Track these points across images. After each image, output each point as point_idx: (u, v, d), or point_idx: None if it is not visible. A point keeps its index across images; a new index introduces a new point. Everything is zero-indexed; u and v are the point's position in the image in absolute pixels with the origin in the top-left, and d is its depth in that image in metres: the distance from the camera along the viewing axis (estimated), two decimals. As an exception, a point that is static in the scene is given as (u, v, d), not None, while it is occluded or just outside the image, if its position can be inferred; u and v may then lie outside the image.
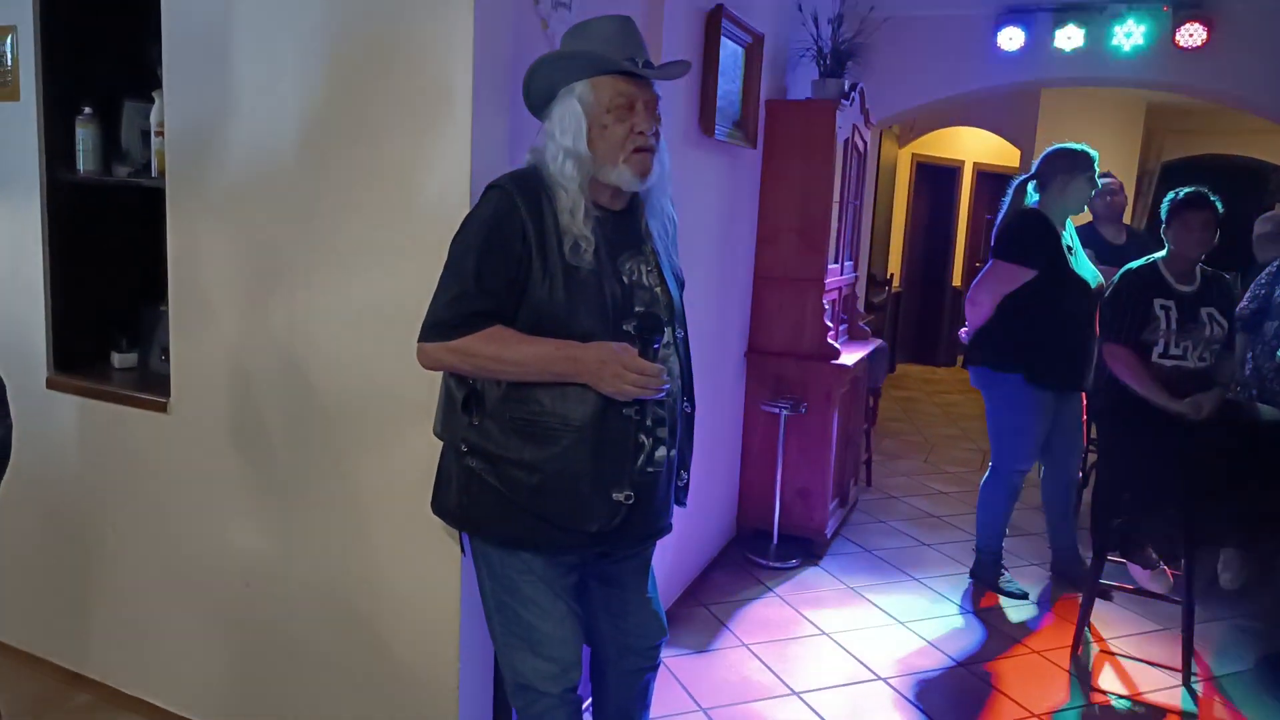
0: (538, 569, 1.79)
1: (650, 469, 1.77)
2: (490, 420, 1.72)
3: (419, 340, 1.71)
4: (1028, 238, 3.41)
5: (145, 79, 2.49)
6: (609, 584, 1.94)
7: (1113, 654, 3.27)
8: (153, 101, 2.43)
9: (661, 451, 1.78)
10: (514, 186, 1.70)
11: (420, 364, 1.73)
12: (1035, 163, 3.53)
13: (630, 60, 1.70)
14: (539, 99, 1.78)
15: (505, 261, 1.66)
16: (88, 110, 2.52)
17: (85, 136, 2.52)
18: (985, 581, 3.77)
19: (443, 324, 1.68)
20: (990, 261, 3.51)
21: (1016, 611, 3.59)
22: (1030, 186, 3.51)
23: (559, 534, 1.74)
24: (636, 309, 1.74)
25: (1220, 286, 3.14)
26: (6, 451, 1.81)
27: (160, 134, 2.37)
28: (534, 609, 1.80)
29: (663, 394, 1.71)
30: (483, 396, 1.74)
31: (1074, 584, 3.68)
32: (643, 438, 1.75)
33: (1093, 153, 3.40)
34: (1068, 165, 3.38)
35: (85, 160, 2.54)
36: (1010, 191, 3.58)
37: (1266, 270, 3.64)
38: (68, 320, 2.63)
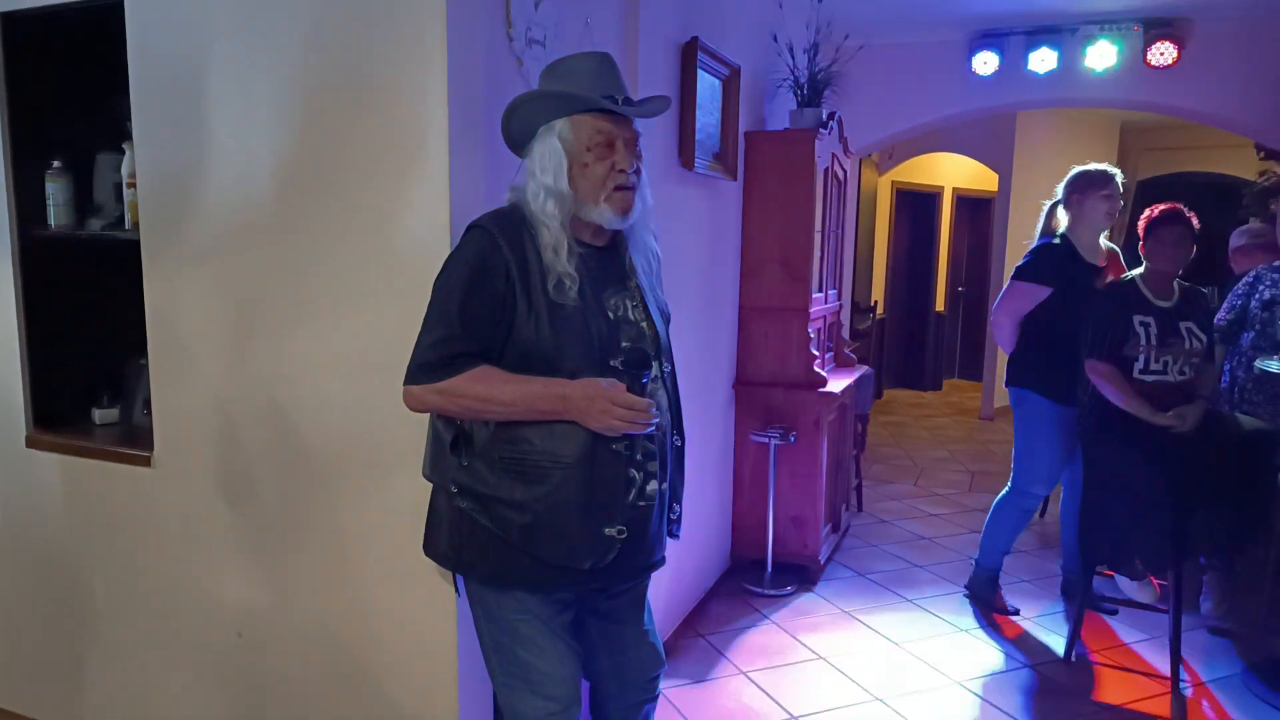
0: (533, 608, 1.77)
1: (641, 503, 1.76)
2: (479, 460, 1.71)
3: (405, 383, 1.69)
4: (1043, 258, 3.48)
5: (116, 130, 2.47)
6: (605, 619, 1.92)
7: (1104, 664, 3.26)
8: (124, 153, 2.42)
9: (653, 485, 1.77)
10: (495, 225, 1.69)
11: (407, 407, 1.72)
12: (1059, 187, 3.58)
13: (609, 98, 1.70)
14: (519, 137, 1.78)
15: (489, 301, 1.66)
16: (57, 164, 2.50)
17: (56, 190, 2.50)
18: (980, 598, 3.76)
19: (428, 366, 1.66)
20: (1009, 282, 3.56)
21: (1008, 628, 3.57)
22: (1059, 210, 3.56)
23: (552, 572, 1.72)
24: (623, 344, 1.73)
25: (1198, 301, 3.16)
26: None
27: (132, 185, 2.36)
28: (531, 648, 1.78)
29: (651, 428, 1.70)
30: (471, 437, 1.72)
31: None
32: (633, 472, 1.74)
33: (1110, 171, 3.43)
34: (1082, 186, 3.44)
35: (57, 215, 2.51)
36: (1043, 217, 3.62)
37: (1243, 281, 3.67)
38: (46, 377, 2.60)
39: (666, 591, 3.25)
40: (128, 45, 2.25)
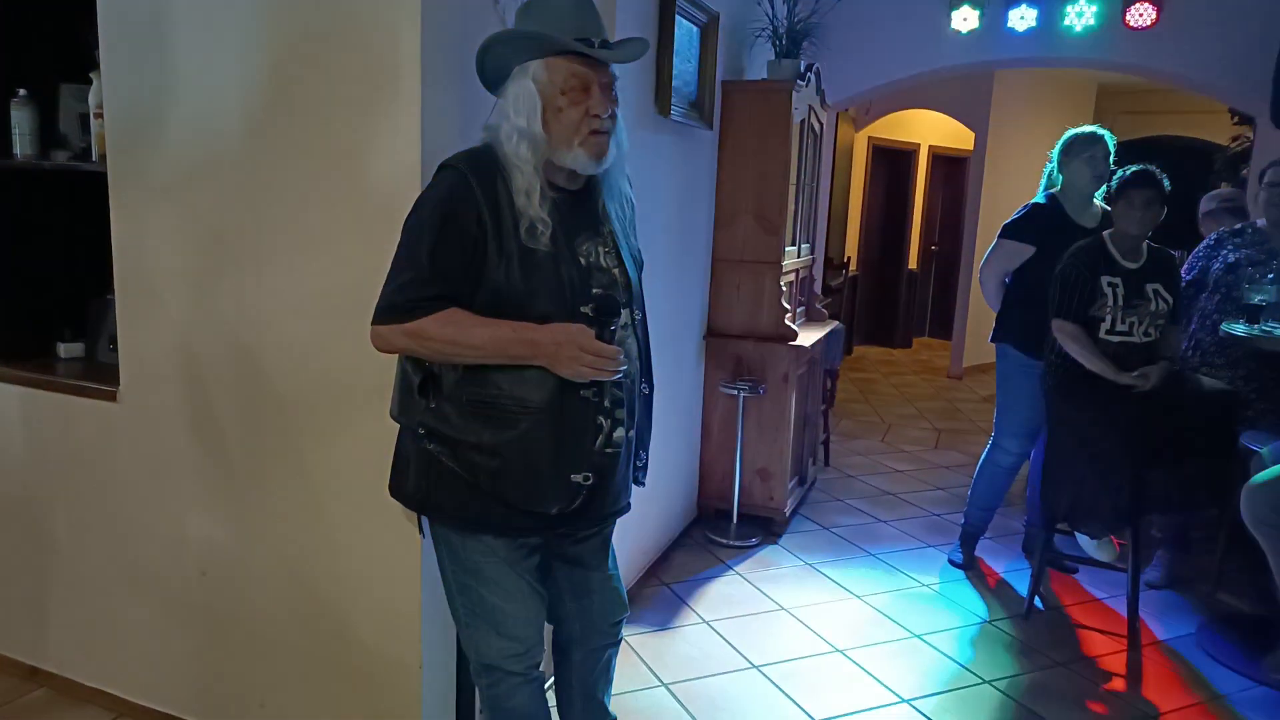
0: (499, 551, 1.78)
1: (609, 450, 1.77)
2: (447, 403, 1.71)
3: (372, 323, 1.68)
4: (1030, 218, 3.52)
5: (82, 60, 2.42)
6: (571, 563, 1.94)
7: (1062, 621, 3.35)
8: (90, 83, 2.37)
9: (620, 433, 1.78)
10: (468, 166, 1.67)
11: (374, 347, 1.71)
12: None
13: (586, 41, 1.66)
14: (493, 77, 1.74)
15: (459, 244, 1.64)
16: (22, 93, 2.44)
17: (20, 120, 2.45)
18: (961, 550, 3.85)
19: (396, 307, 1.65)
20: (996, 240, 3.60)
21: (970, 584, 3.66)
22: (1052, 172, 3.58)
23: (519, 516, 1.74)
24: (594, 290, 1.73)
25: (1165, 263, 3.20)
26: None
27: (99, 116, 2.31)
28: (497, 590, 1.80)
29: (620, 375, 1.71)
30: (440, 379, 1.72)
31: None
32: (601, 419, 1.75)
33: (1098, 133, 3.44)
34: (1068, 148, 3.47)
35: (22, 145, 2.46)
36: (1044, 177, 3.65)
37: (1203, 244, 3.72)
38: (9, 310, 2.57)
39: (632, 540, 3.29)
40: (92, -30, 2.19)
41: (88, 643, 2.57)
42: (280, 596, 2.25)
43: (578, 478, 1.73)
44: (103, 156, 2.30)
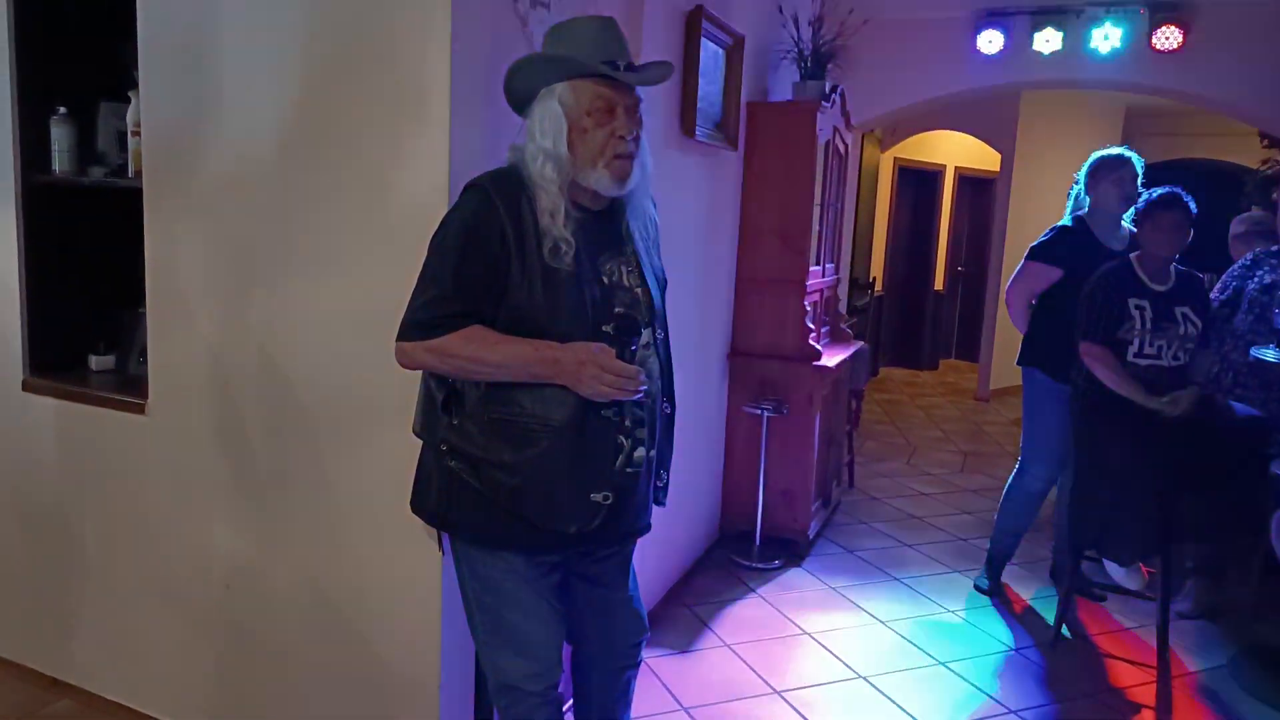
0: (519, 568, 1.78)
1: (629, 470, 1.77)
2: (469, 421, 1.72)
3: (397, 340, 1.70)
4: (1057, 240, 3.49)
5: (122, 79, 2.47)
6: (591, 583, 1.94)
7: (1091, 650, 3.30)
8: (129, 102, 2.42)
9: (640, 452, 1.78)
10: (493, 186, 1.69)
11: (399, 363, 1.72)
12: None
13: (611, 64, 1.68)
14: (520, 98, 1.77)
15: (483, 263, 1.66)
16: (63, 111, 2.50)
17: (60, 137, 2.50)
18: (987, 576, 3.80)
19: (421, 324, 1.67)
20: (1023, 261, 3.58)
21: (996, 611, 3.61)
22: (1080, 194, 3.56)
23: (539, 534, 1.74)
24: (616, 310, 1.74)
25: (1194, 286, 3.17)
26: None
27: (137, 134, 2.36)
28: (517, 609, 1.80)
29: (640, 395, 1.71)
30: (462, 397, 1.73)
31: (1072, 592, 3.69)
32: (621, 439, 1.75)
33: (1124, 155, 3.42)
34: (1096, 170, 3.45)
35: (60, 161, 2.52)
36: (1071, 199, 3.62)
37: (1239, 263, 3.67)
38: (44, 322, 2.61)
39: (654, 561, 3.28)
40: (135, -7, 2.24)
41: (111, 655, 2.59)
42: (302, 612, 2.26)
43: (597, 497, 1.72)
44: (139, 173, 2.35)
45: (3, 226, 2.54)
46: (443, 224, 1.72)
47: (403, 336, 1.69)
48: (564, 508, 1.71)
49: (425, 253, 1.71)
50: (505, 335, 1.67)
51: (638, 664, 2.04)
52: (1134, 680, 3.09)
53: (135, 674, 2.56)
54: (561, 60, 1.70)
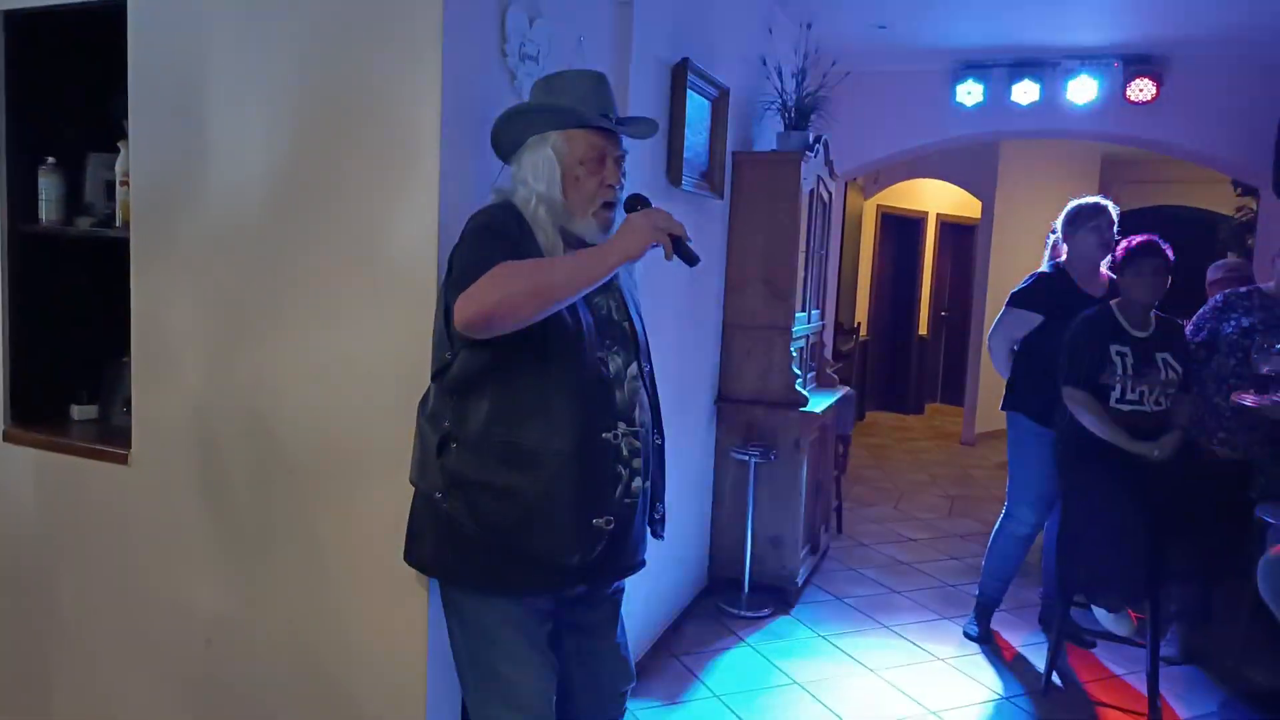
0: (514, 617, 1.77)
1: (627, 500, 1.79)
2: (469, 450, 1.72)
3: (459, 298, 1.59)
4: (1037, 287, 3.54)
5: (111, 130, 2.48)
6: (582, 632, 1.93)
7: (1080, 698, 3.27)
8: (118, 152, 2.43)
9: (637, 482, 1.80)
10: (500, 213, 1.73)
11: (467, 319, 1.58)
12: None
13: (605, 116, 1.76)
14: (508, 145, 1.82)
15: (511, 244, 1.67)
16: (51, 160, 2.51)
17: (48, 187, 2.50)
18: (977, 622, 3.78)
19: (474, 265, 1.60)
20: (1004, 308, 3.62)
21: (986, 658, 3.59)
22: (1057, 242, 3.62)
23: (537, 572, 1.73)
24: (607, 342, 1.78)
25: (1174, 332, 3.21)
26: None
27: (125, 184, 2.36)
28: (508, 660, 1.78)
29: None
30: (464, 425, 1.72)
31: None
32: (620, 468, 1.77)
33: (1100, 203, 3.48)
34: (1072, 219, 3.51)
35: (48, 211, 2.51)
36: (1048, 247, 3.68)
37: (1209, 305, 3.72)
38: (26, 372, 2.58)
39: (642, 609, 3.25)
40: (129, 45, 2.26)
41: (92, 711, 2.53)
42: (284, 668, 2.21)
43: (599, 522, 1.73)
44: (126, 223, 2.35)
45: (-12, 276, 2.53)
46: (463, 237, 1.71)
47: (461, 286, 1.59)
48: (566, 536, 1.71)
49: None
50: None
51: (624, 713, 2.02)
52: (1126, 728, 3.07)
53: (112, 731, 2.50)
54: (561, 110, 1.75)
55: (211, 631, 2.30)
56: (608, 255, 1.63)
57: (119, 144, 2.41)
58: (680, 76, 3.25)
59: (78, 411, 2.65)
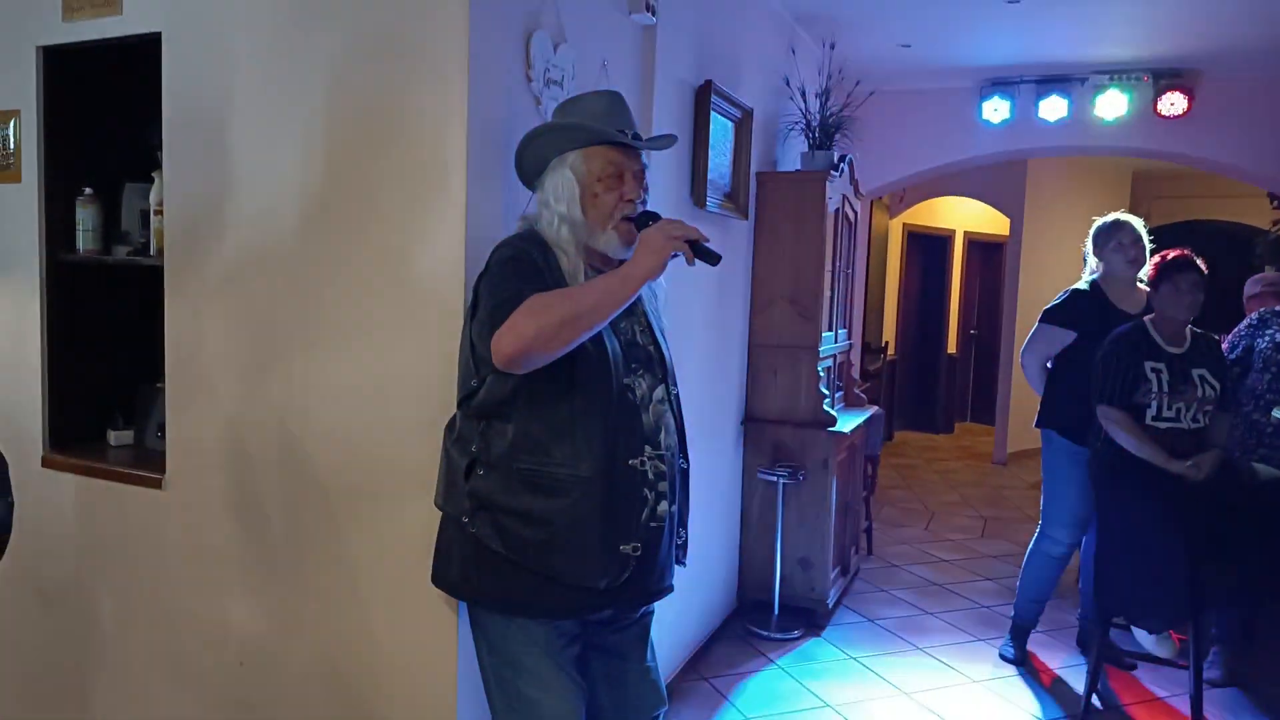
0: (540, 640, 1.77)
1: (654, 524, 1.78)
2: (495, 473, 1.72)
3: (495, 332, 1.61)
4: (1070, 303, 3.51)
5: (145, 160, 2.54)
6: (609, 654, 1.92)
7: (1124, 724, 3.20)
8: (152, 182, 2.48)
9: (663, 506, 1.79)
10: (524, 241, 1.75)
11: (506, 354, 1.60)
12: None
13: (620, 131, 1.78)
14: (531, 170, 1.85)
15: (537, 275, 1.69)
16: (88, 191, 2.56)
17: (85, 217, 2.56)
18: (1012, 644, 3.72)
19: (507, 301, 1.62)
20: (1037, 324, 3.59)
21: (1023, 680, 3.52)
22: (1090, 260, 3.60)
23: (564, 594, 1.73)
24: (633, 365, 1.78)
25: (1210, 348, 3.16)
26: (7, 530, 1.81)
27: (159, 213, 2.41)
28: (535, 683, 1.77)
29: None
30: (489, 450, 1.73)
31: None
32: (646, 492, 1.76)
33: (1122, 220, 3.46)
34: (1098, 238, 3.50)
35: (85, 240, 2.57)
36: (1085, 263, 3.66)
37: (1245, 322, 3.66)
38: (64, 399, 2.63)
39: (671, 631, 3.22)
40: (163, 76, 2.32)
41: (125, 733, 2.55)
42: (315, 689, 2.22)
43: (626, 548, 1.73)
44: (161, 251, 2.40)
45: (27, 305, 2.58)
46: (488, 269, 1.73)
47: (497, 320, 1.61)
48: (593, 561, 1.71)
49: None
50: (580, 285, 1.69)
51: None
52: (1169, 754, 2.99)
53: (146, 754, 2.51)
54: (575, 128, 1.78)
55: (245, 653, 2.32)
56: (631, 275, 1.64)
57: (153, 174, 2.46)
58: (703, 98, 3.27)
59: (114, 437, 2.69)
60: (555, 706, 1.77)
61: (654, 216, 1.77)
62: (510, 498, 1.70)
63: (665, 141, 1.90)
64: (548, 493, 1.69)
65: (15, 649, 2.74)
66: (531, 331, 1.57)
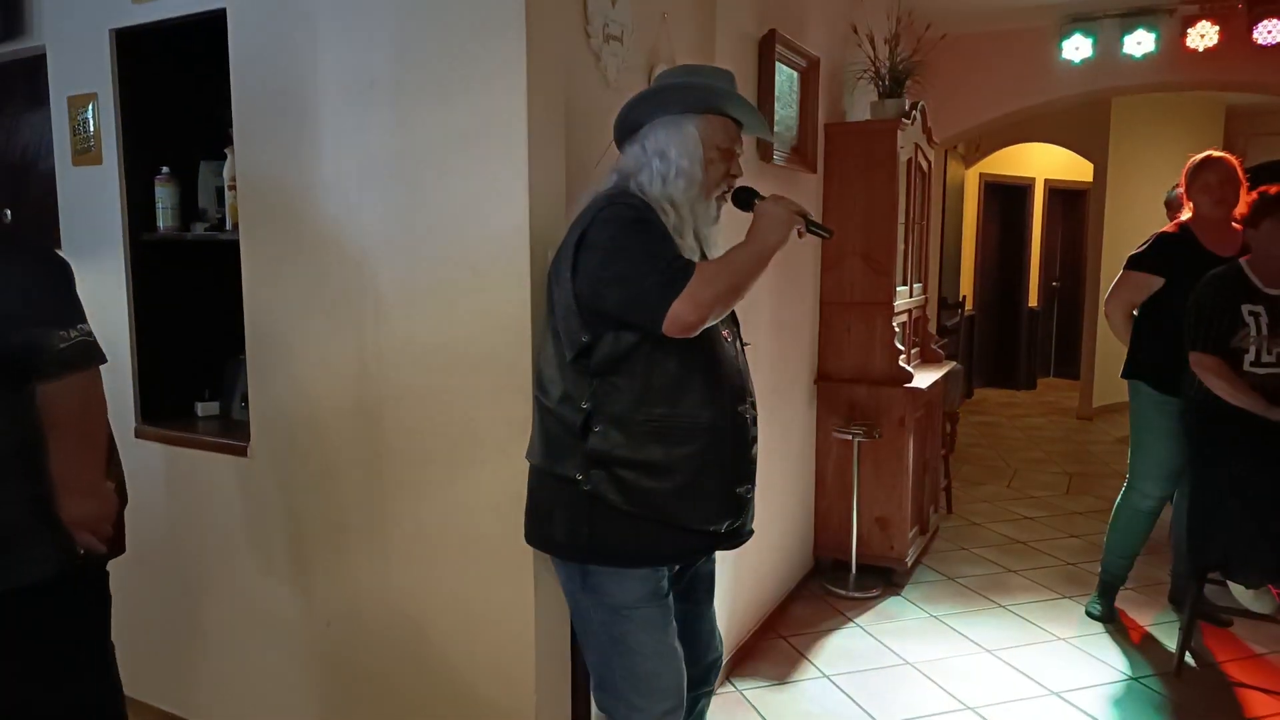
0: (653, 587, 1.78)
1: (754, 466, 1.84)
2: (615, 428, 1.71)
3: (671, 304, 1.62)
4: (1156, 248, 3.37)
5: (219, 138, 2.59)
6: (683, 600, 1.94)
7: (1217, 680, 3.09)
8: (225, 159, 2.53)
9: (755, 450, 1.84)
10: (635, 201, 1.73)
11: (682, 321, 1.63)
12: None
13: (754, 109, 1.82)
14: (634, 123, 1.81)
15: (672, 244, 1.71)
16: (165, 170, 2.64)
17: (164, 196, 2.64)
18: (1100, 601, 3.63)
19: (679, 272, 1.64)
20: (1122, 271, 3.46)
21: (1111, 638, 3.42)
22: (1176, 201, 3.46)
23: (681, 538, 1.76)
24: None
25: (1314, 288, 2.98)
26: (124, 491, 1.97)
27: (233, 188, 2.47)
28: (651, 629, 1.80)
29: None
30: (608, 407, 1.72)
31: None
32: (750, 434, 1.82)
33: (1214, 156, 3.30)
34: (1192, 175, 3.35)
35: (165, 218, 2.65)
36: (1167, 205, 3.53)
37: None
38: (153, 373, 2.74)
39: (748, 591, 3.22)
40: (230, 51, 2.36)
41: (223, 692, 2.67)
42: (399, 648, 2.28)
43: (741, 490, 1.79)
44: (236, 226, 2.45)
45: (113, 283, 2.68)
46: (595, 223, 1.70)
47: (674, 292, 1.63)
48: (718, 504, 1.76)
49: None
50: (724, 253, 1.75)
51: (712, 691, 2.04)
52: (1269, 710, 2.88)
53: (245, 709, 2.62)
54: (721, 91, 1.78)
55: (331, 613, 2.39)
56: (767, 246, 1.72)
57: (226, 150, 2.52)
58: (768, 48, 3.18)
59: (201, 408, 2.79)
60: (669, 665, 1.81)
61: (755, 193, 1.80)
62: (634, 450, 1.71)
63: (770, 128, 1.92)
64: (675, 442, 1.71)
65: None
66: (709, 299, 1.64)
